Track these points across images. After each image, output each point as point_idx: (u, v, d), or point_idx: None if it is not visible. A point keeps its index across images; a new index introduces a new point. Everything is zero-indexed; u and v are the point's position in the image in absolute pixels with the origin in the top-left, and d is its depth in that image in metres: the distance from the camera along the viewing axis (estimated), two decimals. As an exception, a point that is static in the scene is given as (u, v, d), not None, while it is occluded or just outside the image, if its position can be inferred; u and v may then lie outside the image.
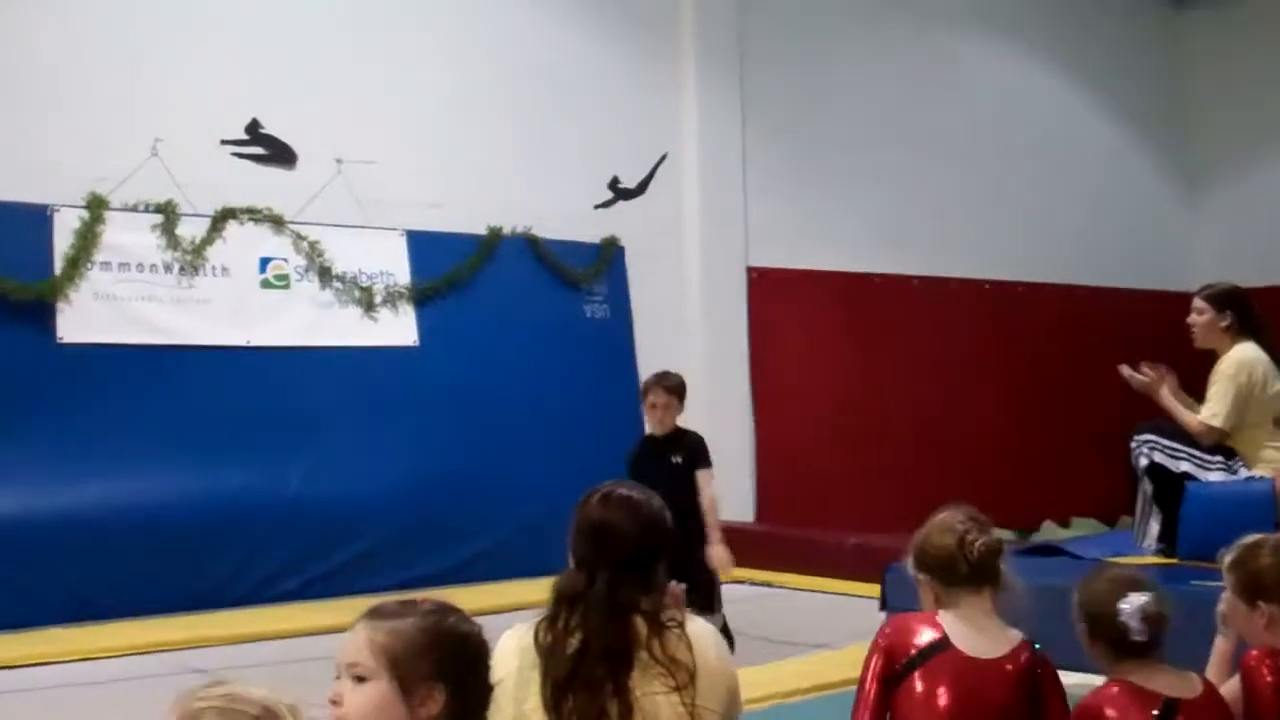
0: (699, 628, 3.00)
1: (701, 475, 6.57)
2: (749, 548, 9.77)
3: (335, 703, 2.31)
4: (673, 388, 6.77)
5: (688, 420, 11.03)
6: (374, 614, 2.37)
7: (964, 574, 3.34)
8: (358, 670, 2.30)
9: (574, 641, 2.91)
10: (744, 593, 8.74)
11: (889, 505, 11.37)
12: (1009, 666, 3.24)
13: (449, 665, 2.33)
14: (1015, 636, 3.31)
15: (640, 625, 2.91)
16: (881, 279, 12.40)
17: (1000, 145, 13.37)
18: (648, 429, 6.83)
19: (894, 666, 3.24)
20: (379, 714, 2.28)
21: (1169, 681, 3.13)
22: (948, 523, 3.43)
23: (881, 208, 12.42)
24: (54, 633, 7.42)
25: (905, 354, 12.38)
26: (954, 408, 12.50)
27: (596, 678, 2.86)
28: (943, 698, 3.17)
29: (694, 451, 6.67)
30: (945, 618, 3.30)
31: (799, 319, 11.84)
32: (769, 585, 9.10)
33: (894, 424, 12.13)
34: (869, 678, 3.25)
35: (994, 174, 13.29)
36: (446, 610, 2.42)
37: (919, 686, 3.19)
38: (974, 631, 3.27)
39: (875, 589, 6.94)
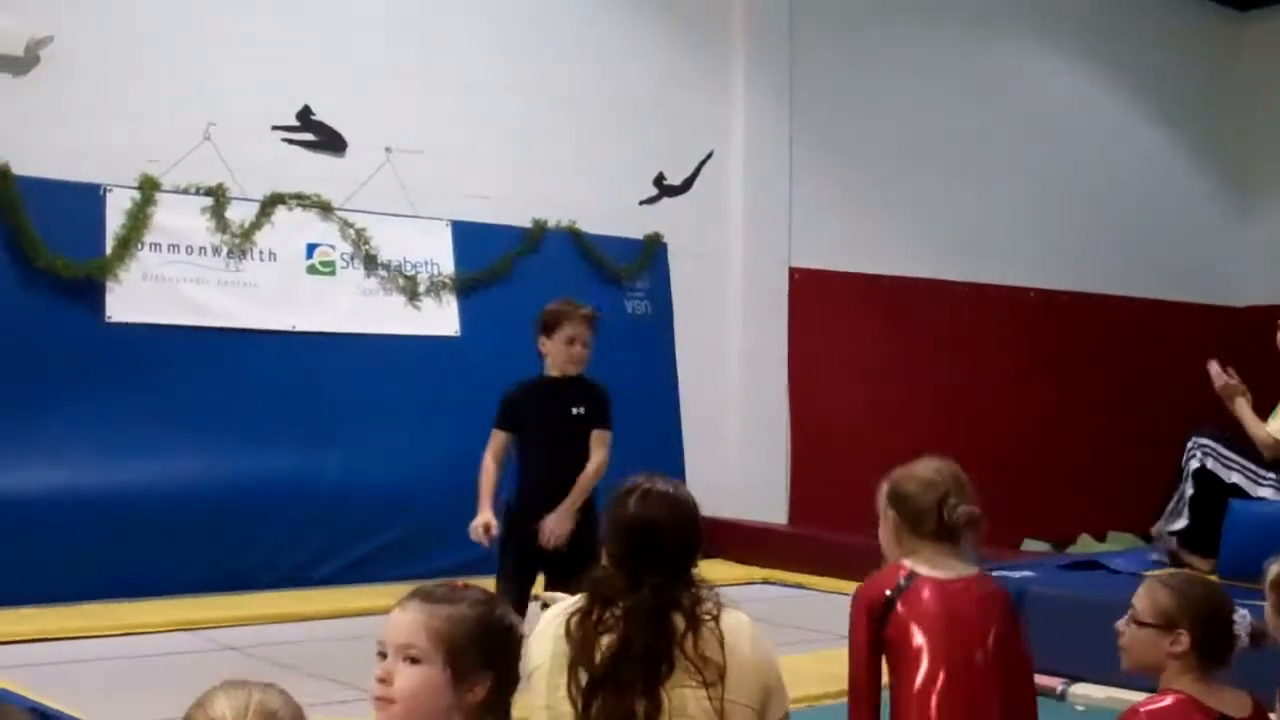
0: (733, 620, 2.97)
1: (598, 436, 5.75)
2: (783, 550, 9.81)
3: (383, 681, 2.34)
4: (597, 322, 5.92)
5: (726, 423, 11.17)
6: (426, 597, 2.40)
7: (932, 531, 3.52)
8: (412, 652, 2.33)
9: (607, 639, 2.89)
10: (775, 593, 8.77)
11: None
12: (976, 587, 3.49)
13: (497, 655, 2.38)
14: (973, 568, 3.54)
15: (678, 622, 2.90)
16: (924, 284, 12.38)
17: (1048, 151, 13.31)
18: (550, 369, 5.83)
19: (876, 617, 3.42)
20: (429, 696, 2.32)
21: (1224, 698, 3.11)
22: (932, 479, 3.57)
23: (926, 212, 12.39)
24: (96, 608, 7.51)
25: (945, 360, 12.36)
26: (992, 416, 12.46)
27: (630, 679, 2.84)
28: (927, 615, 3.38)
29: (599, 406, 5.80)
30: (907, 563, 3.49)
31: (839, 321, 11.84)
32: (801, 587, 9.12)
33: (932, 430, 12.07)
34: (857, 639, 3.43)
35: (1041, 180, 13.23)
36: (493, 600, 2.47)
37: (901, 611, 3.39)
38: (937, 567, 3.47)
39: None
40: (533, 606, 4.97)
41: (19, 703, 5.03)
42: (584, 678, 2.87)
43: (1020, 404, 12.74)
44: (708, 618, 2.92)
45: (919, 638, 3.35)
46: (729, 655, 2.89)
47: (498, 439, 5.91)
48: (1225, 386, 6.63)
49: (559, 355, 5.77)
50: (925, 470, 3.59)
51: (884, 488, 3.63)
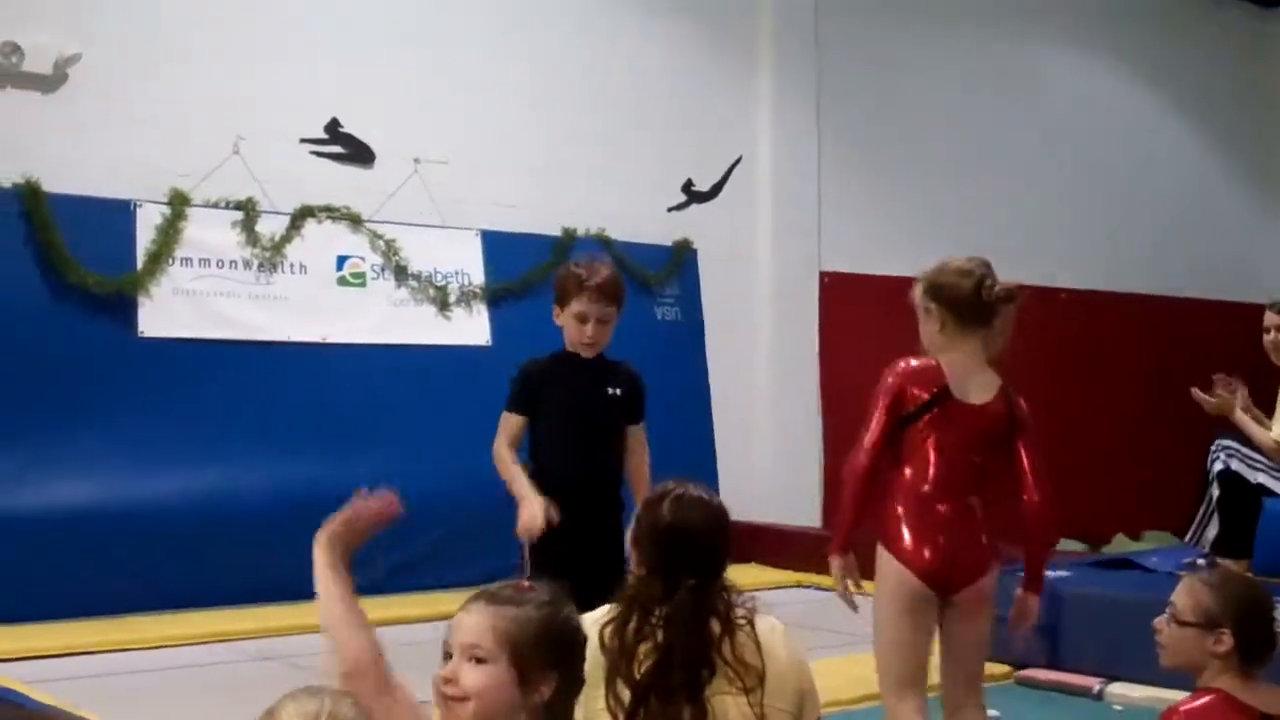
0: (767, 625, 2.98)
1: (642, 431, 5.04)
2: (816, 553, 9.75)
3: (450, 680, 2.37)
4: (620, 296, 4.93)
5: (758, 428, 11.16)
6: (492, 599, 2.43)
7: (972, 314, 4.08)
8: (478, 652, 2.36)
9: (646, 648, 2.88)
10: (809, 596, 8.74)
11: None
12: (998, 407, 4.18)
13: (562, 656, 2.41)
14: (996, 380, 4.22)
15: (714, 626, 2.90)
16: (954, 286, 12.30)
17: (1076, 152, 13.26)
18: (572, 346, 4.93)
19: (904, 408, 4.08)
20: (495, 695, 2.34)
21: (1265, 696, 3.08)
22: (965, 267, 4.12)
23: (956, 213, 12.34)
24: (132, 620, 7.57)
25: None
26: (1039, 419, 12.38)
27: (674, 686, 2.84)
28: (946, 433, 4.05)
29: (638, 392, 5.02)
30: (945, 364, 4.05)
31: (871, 325, 11.74)
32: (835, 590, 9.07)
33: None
34: (879, 410, 4.08)
35: (1070, 181, 13.18)
36: (559, 601, 2.48)
37: (923, 426, 4.05)
38: (968, 378, 4.10)
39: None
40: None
41: (55, 713, 5.05)
42: (624, 688, 2.87)
43: (1052, 404, 12.61)
44: (743, 622, 2.92)
45: (930, 449, 4.05)
46: (766, 659, 2.90)
47: (514, 424, 5.00)
48: (1214, 409, 6.52)
49: (570, 334, 4.90)
50: (957, 260, 4.11)
51: (918, 286, 4.15)
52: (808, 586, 9.17)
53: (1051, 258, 12.91)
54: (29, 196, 8.15)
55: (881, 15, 12.06)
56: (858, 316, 11.65)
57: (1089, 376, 12.98)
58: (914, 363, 4.14)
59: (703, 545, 2.97)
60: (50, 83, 8.46)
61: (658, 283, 10.62)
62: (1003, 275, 4.00)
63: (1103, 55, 13.63)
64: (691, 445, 10.04)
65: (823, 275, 11.61)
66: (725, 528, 3.04)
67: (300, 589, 8.92)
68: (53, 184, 8.22)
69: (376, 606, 8.34)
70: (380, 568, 8.68)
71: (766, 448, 11.14)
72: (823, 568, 9.79)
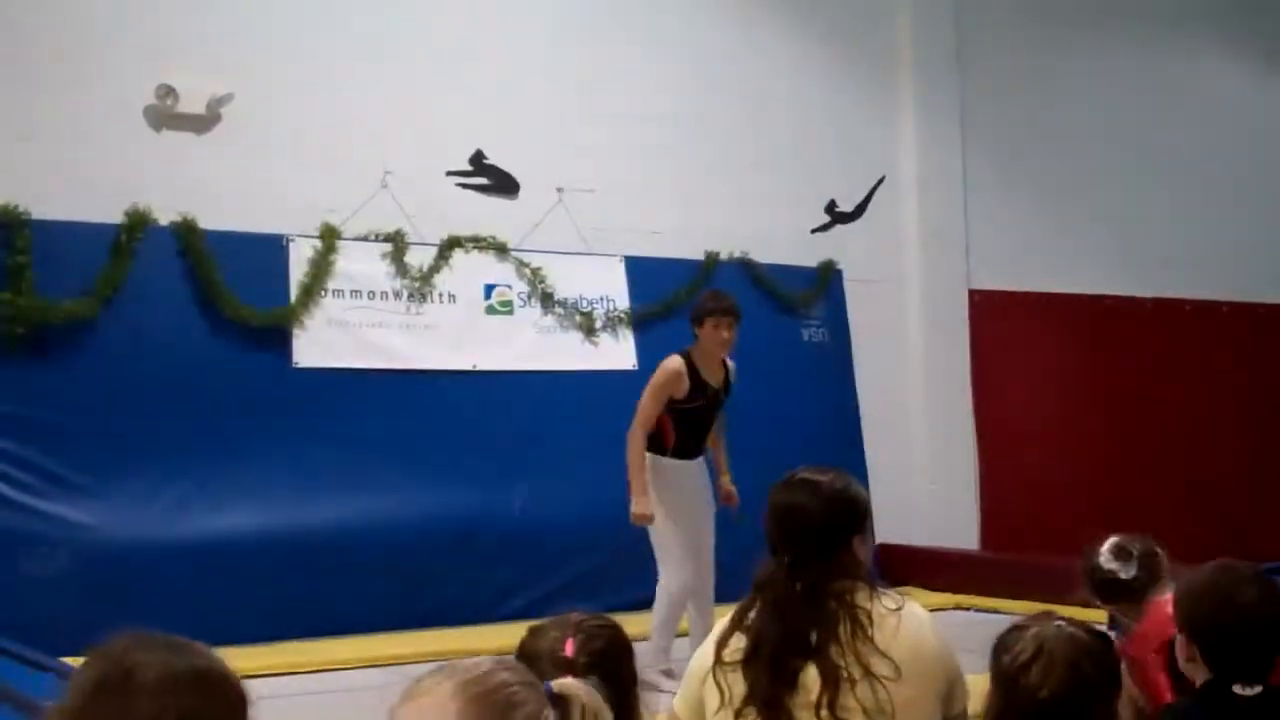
0: (913, 611, 2.98)
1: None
2: (974, 573, 9.60)
3: None
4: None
5: (912, 450, 10.99)
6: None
7: None
8: None
9: (761, 626, 2.95)
10: (968, 619, 8.57)
11: (1121, 530, 11.02)
12: None
13: None
14: None
15: (832, 608, 2.90)
16: (1112, 301, 12.04)
17: (1235, 160, 12.84)
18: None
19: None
20: None
21: None
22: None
23: (1110, 227, 12.06)
24: (291, 645, 7.68)
25: (1137, 378, 11.98)
26: (1192, 434, 12.05)
27: (768, 659, 2.88)
28: None
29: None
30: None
31: (1024, 342, 11.58)
32: (996, 612, 8.90)
33: (1127, 450, 11.75)
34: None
35: (1226, 187, 12.74)
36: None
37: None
38: None
39: (1104, 615, 6.73)
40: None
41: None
42: (741, 662, 2.92)
43: (1221, 420, 12.30)
44: (892, 609, 2.94)
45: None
46: (916, 645, 2.91)
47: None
48: None
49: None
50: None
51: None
52: (967, 608, 8.99)
53: (1213, 270, 12.53)
54: (186, 234, 8.39)
55: (1023, 25, 11.84)
56: (1010, 333, 11.45)
57: (1257, 390, 12.54)
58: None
59: (810, 522, 3.03)
60: (204, 123, 8.71)
61: (803, 305, 10.55)
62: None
63: (1255, 58, 13.19)
64: (842, 467, 9.91)
65: (972, 293, 11.42)
66: (839, 507, 3.09)
67: (459, 613, 9.04)
68: (208, 221, 8.46)
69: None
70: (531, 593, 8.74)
71: (921, 470, 10.97)
72: (982, 589, 9.64)
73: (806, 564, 2.97)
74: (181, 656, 1.83)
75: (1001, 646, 2.60)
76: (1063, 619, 2.60)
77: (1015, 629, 2.61)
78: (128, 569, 7.73)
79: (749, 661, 2.89)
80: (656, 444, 6.90)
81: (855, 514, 3.10)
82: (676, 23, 10.43)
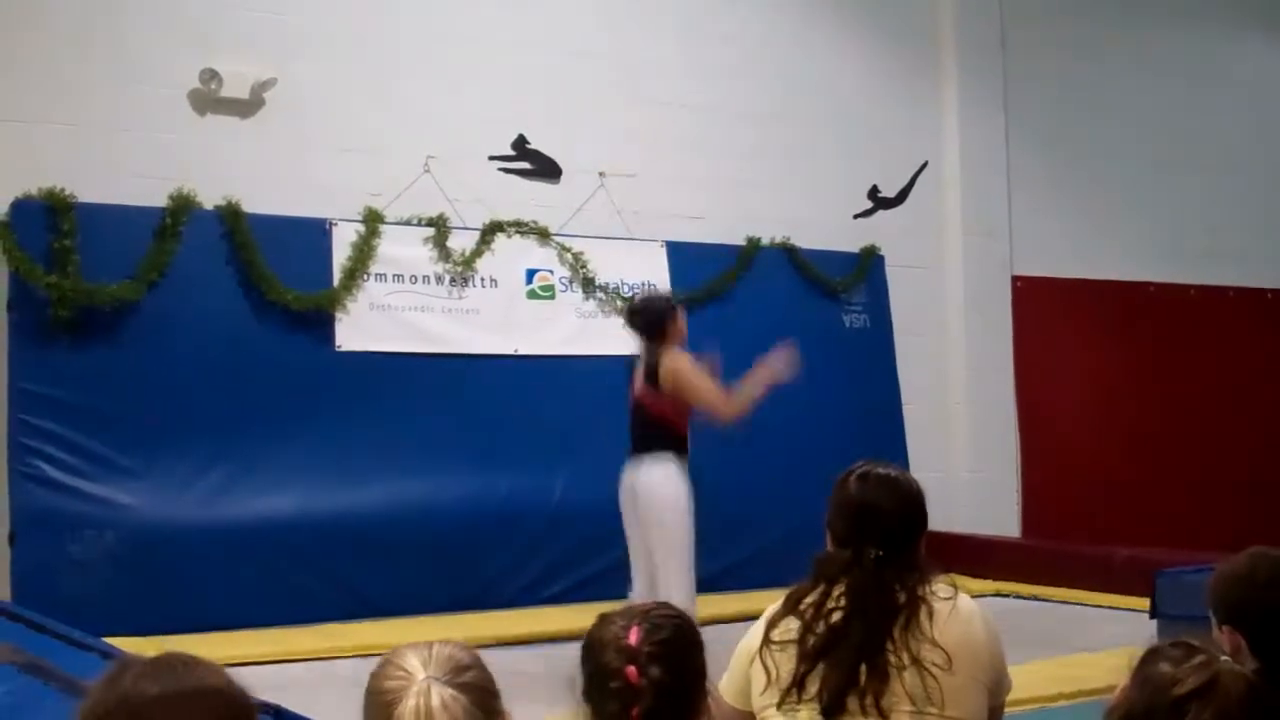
0: (966, 603, 3.00)
1: None
2: (1015, 560, 9.57)
3: None
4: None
5: (953, 436, 10.95)
6: None
7: None
8: None
9: (831, 617, 2.94)
10: (1009, 605, 8.55)
11: (1162, 519, 10.96)
12: None
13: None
14: None
15: (900, 601, 2.92)
16: (1156, 288, 11.96)
17: (1276, 143, 12.73)
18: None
19: None
20: None
21: None
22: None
23: (1153, 214, 11.98)
24: (333, 628, 7.74)
25: (1181, 365, 11.90)
26: (1236, 422, 11.96)
27: (852, 652, 2.87)
28: None
29: None
30: None
31: (1067, 329, 11.51)
32: (1036, 599, 8.87)
33: (1169, 437, 11.68)
34: None
35: (1276, 176, 12.66)
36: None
37: None
38: None
39: (1146, 602, 6.71)
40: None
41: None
42: (802, 653, 2.92)
43: (1264, 407, 12.19)
44: (944, 599, 2.95)
45: None
46: (966, 634, 2.92)
47: None
48: None
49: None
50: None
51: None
52: (1007, 595, 8.97)
53: (1257, 256, 12.44)
54: (230, 217, 8.44)
55: (1068, 12, 11.76)
56: (1054, 320, 11.39)
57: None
58: None
59: (885, 519, 3.02)
60: (248, 108, 8.76)
61: (845, 290, 10.51)
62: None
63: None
64: (884, 453, 9.81)
65: (1015, 279, 11.36)
66: (912, 504, 3.09)
67: (501, 597, 9.04)
68: (252, 205, 8.50)
69: (574, 615, 8.38)
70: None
71: (962, 455, 10.94)
72: (1022, 575, 9.62)
73: (885, 560, 2.98)
74: (187, 680, 1.82)
75: (1156, 659, 2.14)
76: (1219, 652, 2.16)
77: (1176, 645, 2.15)
78: (171, 550, 7.81)
79: (825, 653, 2.89)
80: (678, 442, 6.68)
81: (925, 512, 3.12)
82: (719, 8, 10.41)
